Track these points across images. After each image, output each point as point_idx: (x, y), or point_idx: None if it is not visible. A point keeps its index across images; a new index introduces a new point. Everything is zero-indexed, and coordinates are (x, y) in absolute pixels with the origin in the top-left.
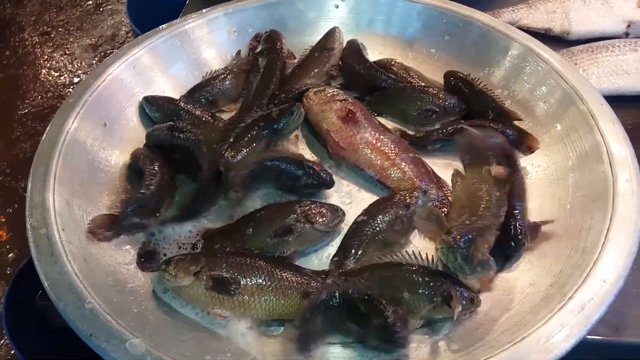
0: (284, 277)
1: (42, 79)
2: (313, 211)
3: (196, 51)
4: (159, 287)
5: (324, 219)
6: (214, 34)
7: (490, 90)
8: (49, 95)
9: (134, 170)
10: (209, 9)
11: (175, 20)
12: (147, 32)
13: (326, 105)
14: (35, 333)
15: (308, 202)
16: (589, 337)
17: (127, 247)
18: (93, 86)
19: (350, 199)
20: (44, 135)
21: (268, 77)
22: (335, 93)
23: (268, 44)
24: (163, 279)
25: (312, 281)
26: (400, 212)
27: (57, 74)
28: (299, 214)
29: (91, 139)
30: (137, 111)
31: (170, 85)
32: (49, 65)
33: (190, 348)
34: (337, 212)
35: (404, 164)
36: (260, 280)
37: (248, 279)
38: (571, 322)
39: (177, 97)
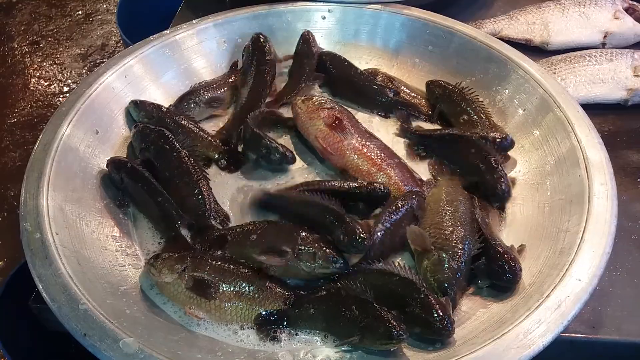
0: (264, 288)
1: (32, 88)
2: (308, 248)
3: (186, 61)
4: (145, 282)
5: (313, 262)
6: (204, 44)
7: (475, 95)
8: (38, 104)
9: (112, 179)
10: (198, 19)
11: (165, 31)
12: (138, 42)
13: (314, 113)
14: (27, 337)
15: (312, 238)
16: (567, 335)
17: (120, 250)
18: (85, 94)
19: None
20: (37, 141)
21: (260, 82)
22: (322, 101)
23: (256, 51)
24: (149, 273)
25: (291, 294)
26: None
27: (47, 83)
28: (295, 245)
29: (84, 146)
30: (129, 119)
31: (161, 94)
32: (38, 74)
33: (182, 347)
34: (330, 261)
35: (389, 168)
36: (239, 289)
37: (227, 285)
38: (548, 319)
39: (167, 105)
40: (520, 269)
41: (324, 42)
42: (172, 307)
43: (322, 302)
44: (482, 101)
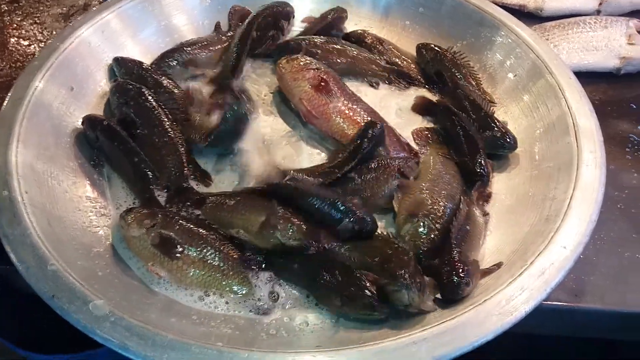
0: (228, 257)
1: (11, 48)
2: (286, 220)
3: (167, 17)
4: (116, 236)
5: (287, 232)
6: (185, 0)
7: (466, 60)
8: (17, 64)
9: (88, 137)
10: None
11: None
12: None
13: (299, 74)
14: None
15: (289, 211)
16: (550, 302)
17: (94, 211)
18: (60, 48)
19: None
20: (7, 97)
21: (244, 37)
22: (308, 61)
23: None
24: (119, 226)
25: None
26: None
27: (27, 43)
28: (273, 215)
29: (58, 102)
30: (105, 75)
31: (140, 50)
32: (17, 34)
33: (155, 311)
34: (301, 236)
35: None
36: (203, 254)
37: (192, 249)
38: (531, 286)
39: (147, 62)
40: (467, 283)
41: (312, 2)
42: (137, 262)
43: (307, 260)
44: (472, 66)
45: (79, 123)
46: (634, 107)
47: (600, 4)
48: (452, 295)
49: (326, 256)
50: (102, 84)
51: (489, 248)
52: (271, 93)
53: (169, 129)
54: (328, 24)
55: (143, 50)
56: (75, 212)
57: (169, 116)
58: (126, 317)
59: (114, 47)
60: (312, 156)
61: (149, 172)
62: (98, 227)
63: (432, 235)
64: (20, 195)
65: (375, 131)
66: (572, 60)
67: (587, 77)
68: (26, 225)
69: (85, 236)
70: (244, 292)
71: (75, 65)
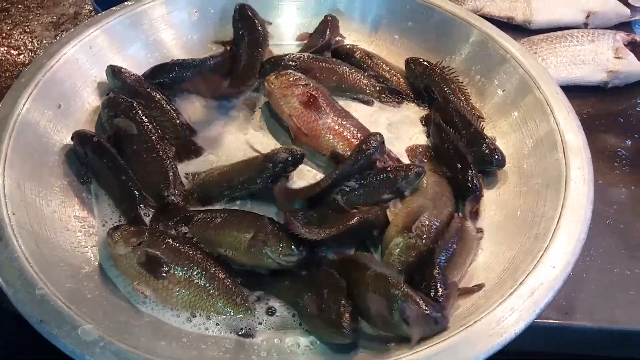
0: (215, 278)
1: (1, 57)
2: (274, 235)
3: (155, 32)
4: (103, 253)
5: (278, 248)
6: (174, 15)
7: (455, 75)
8: (7, 74)
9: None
10: None
11: (131, 0)
12: (103, 12)
13: (288, 90)
14: None
15: (278, 227)
16: (540, 321)
17: (82, 231)
18: (47, 66)
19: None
20: None
21: (255, 51)
22: (297, 77)
23: (245, 21)
24: (106, 243)
25: (242, 292)
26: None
27: (16, 52)
28: (262, 231)
29: (45, 120)
30: (93, 92)
31: (128, 66)
32: (7, 43)
33: (145, 333)
34: (293, 252)
35: None
36: (190, 274)
37: (178, 269)
38: (521, 307)
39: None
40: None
41: (299, 15)
42: (123, 281)
43: (297, 279)
44: (461, 81)
45: (66, 141)
46: (622, 120)
47: (587, 16)
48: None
49: (312, 277)
50: (89, 100)
51: (480, 264)
52: (259, 108)
53: (158, 145)
54: (328, 42)
55: (131, 66)
56: (64, 232)
57: (159, 132)
58: (115, 342)
59: (102, 63)
60: (303, 173)
61: (135, 191)
62: (86, 247)
63: (420, 252)
64: (8, 217)
65: (374, 142)
66: (560, 74)
67: (575, 91)
68: (14, 249)
69: (73, 257)
70: (230, 313)
71: (63, 83)
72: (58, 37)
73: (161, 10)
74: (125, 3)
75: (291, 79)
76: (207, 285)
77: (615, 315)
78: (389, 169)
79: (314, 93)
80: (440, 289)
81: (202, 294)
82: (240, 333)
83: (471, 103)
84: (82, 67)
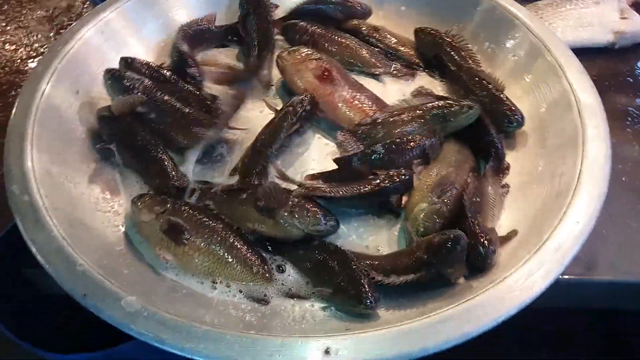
0: (233, 247)
1: None
2: (300, 205)
3: (167, 13)
4: (128, 221)
5: (306, 219)
6: None
7: (464, 42)
8: (5, 70)
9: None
10: None
11: None
12: None
13: (301, 65)
14: (19, 303)
15: (304, 192)
16: (563, 276)
17: (112, 211)
18: (62, 52)
19: (333, 155)
20: (15, 104)
21: (267, 30)
22: (309, 52)
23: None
24: (131, 210)
25: (260, 261)
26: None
27: (13, 48)
28: (287, 201)
29: (65, 106)
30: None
31: (144, 48)
32: (3, 39)
33: (186, 305)
34: (321, 220)
35: None
36: (209, 242)
37: (199, 236)
38: (548, 261)
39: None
40: (493, 251)
41: None
42: (146, 247)
43: (311, 247)
44: (471, 49)
45: (87, 125)
46: (631, 80)
47: None
48: (481, 265)
49: (331, 246)
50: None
51: (504, 225)
52: (273, 85)
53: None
54: None
55: (146, 48)
56: (94, 212)
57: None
58: (159, 312)
59: (117, 46)
60: (320, 146)
61: (168, 168)
62: (117, 226)
63: (445, 218)
64: (41, 200)
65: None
66: (567, 37)
67: (582, 54)
68: (50, 229)
69: (105, 236)
70: (248, 280)
71: (79, 69)
72: (53, 31)
73: None
74: None
75: (304, 53)
76: (225, 253)
77: (637, 269)
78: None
79: (327, 66)
80: (486, 237)
81: (221, 261)
82: (260, 299)
83: (484, 72)
84: (97, 51)
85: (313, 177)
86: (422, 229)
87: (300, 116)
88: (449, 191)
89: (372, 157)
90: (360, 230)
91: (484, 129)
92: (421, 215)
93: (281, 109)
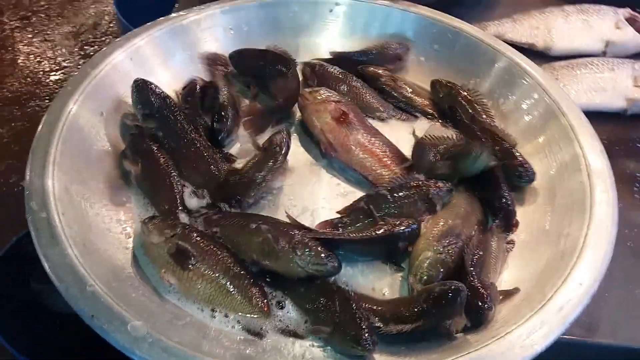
0: (236, 277)
1: (21, 64)
2: (304, 243)
3: (195, 46)
4: (137, 241)
5: (308, 257)
6: (212, 30)
7: (480, 97)
8: (27, 80)
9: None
10: (205, 5)
11: (173, 14)
12: (146, 24)
13: (321, 105)
14: (21, 318)
15: (310, 236)
16: (564, 337)
17: (124, 233)
18: (92, 74)
19: (342, 196)
20: (42, 120)
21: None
22: (329, 94)
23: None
24: (141, 231)
25: (260, 294)
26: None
27: (36, 60)
28: (291, 238)
29: (89, 126)
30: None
31: (170, 77)
32: (27, 50)
33: (188, 333)
34: (323, 260)
35: (394, 165)
36: (213, 270)
37: (204, 263)
38: (550, 321)
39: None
40: (490, 307)
41: (329, 35)
42: (151, 269)
43: (313, 286)
44: (486, 103)
45: (107, 147)
46: None
47: (606, 45)
48: (477, 320)
49: (334, 286)
50: (130, 108)
51: (507, 281)
52: (289, 122)
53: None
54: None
55: (173, 76)
56: (107, 234)
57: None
58: (163, 339)
59: (145, 73)
60: (332, 186)
61: (176, 195)
62: (127, 248)
63: (448, 269)
64: (58, 217)
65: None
66: (580, 100)
67: (594, 117)
68: (64, 247)
69: (116, 258)
70: (246, 313)
71: (106, 92)
72: (77, 47)
73: (200, 25)
74: (168, 16)
75: (324, 95)
76: (227, 282)
77: (638, 334)
78: (421, 182)
79: (345, 109)
80: (484, 292)
81: (222, 289)
82: (256, 333)
83: (497, 127)
84: (125, 76)
85: (322, 226)
86: (425, 277)
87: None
88: (454, 243)
89: (380, 203)
90: (365, 272)
91: (496, 184)
92: (425, 264)
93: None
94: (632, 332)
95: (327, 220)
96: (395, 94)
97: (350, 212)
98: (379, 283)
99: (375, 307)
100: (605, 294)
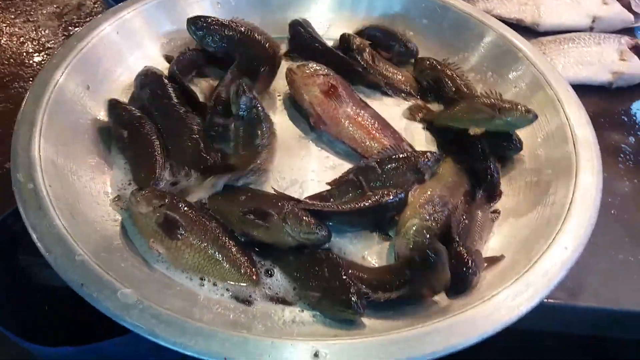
0: (224, 246)
1: (4, 45)
2: (295, 213)
3: (184, 19)
4: (126, 212)
5: (298, 226)
6: (200, 3)
7: (460, 70)
8: (10, 61)
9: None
10: None
11: None
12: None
13: (309, 79)
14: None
15: (299, 207)
16: (549, 300)
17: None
18: (78, 47)
19: (331, 169)
20: (27, 93)
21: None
22: (317, 68)
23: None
24: (129, 201)
25: (249, 263)
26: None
27: (19, 41)
28: (282, 209)
29: (75, 99)
30: (122, 73)
31: (158, 51)
32: (10, 31)
33: (178, 300)
34: (313, 229)
35: (383, 137)
36: (201, 240)
37: (192, 233)
38: (536, 283)
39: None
40: (474, 273)
41: (319, 10)
42: (139, 239)
43: (302, 254)
44: (468, 77)
45: (94, 121)
46: (625, 119)
47: (593, 20)
48: (462, 286)
49: (322, 254)
50: (121, 79)
51: (493, 248)
52: (278, 96)
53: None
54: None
55: (161, 49)
56: (95, 206)
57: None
58: (154, 305)
59: (132, 46)
60: (321, 159)
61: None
62: (116, 221)
63: (434, 235)
64: (45, 189)
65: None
66: (567, 74)
67: (581, 90)
68: (52, 217)
69: (105, 229)
70: (235, 281)
71: (93, 64)
72: (62, 27)
73: None
74: None
75: (312, 68)
76: (216, 252)
77: (619, 297)
78: (410, 153)
79: (334, 83)
80: (469, 259)
81: (210, 259)
82: (245, 300)
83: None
84: (112, 50)
85: (312, 198)
86: (412, 244)
87: None
88: (440, 210)
89: (369, 174)
90: (354, 241)
91: (482, 155)
92: (412, 231)
93: None
94: (613, 295)
95: (316, 194)
96: (377, 71)
97: (340, 184)
98: (368, 252)
99: (363, 275)
100: (589, 260)
